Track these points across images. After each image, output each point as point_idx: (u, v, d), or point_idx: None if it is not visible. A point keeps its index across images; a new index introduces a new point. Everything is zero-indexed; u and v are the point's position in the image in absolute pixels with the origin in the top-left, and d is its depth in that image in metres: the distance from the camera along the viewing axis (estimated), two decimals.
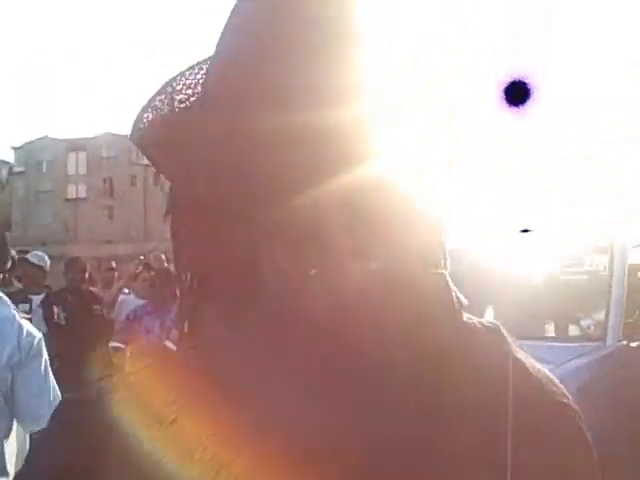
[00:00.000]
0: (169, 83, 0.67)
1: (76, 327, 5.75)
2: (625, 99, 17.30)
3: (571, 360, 3.99)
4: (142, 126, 0.67)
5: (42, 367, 2.72)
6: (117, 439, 0.60)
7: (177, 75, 0.67)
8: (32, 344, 2.67)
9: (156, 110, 0.67)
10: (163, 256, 7.71)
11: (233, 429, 0.58)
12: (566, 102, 17.54)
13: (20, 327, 2.66)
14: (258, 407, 0.58)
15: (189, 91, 0.66)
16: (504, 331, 0.67)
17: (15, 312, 2.76)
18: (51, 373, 2.78)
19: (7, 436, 2.66)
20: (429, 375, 0.60)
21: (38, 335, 2.73)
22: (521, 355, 0.67)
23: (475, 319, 0.67)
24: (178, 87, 0.67)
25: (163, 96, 0.67)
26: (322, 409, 0.59)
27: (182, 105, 0.66)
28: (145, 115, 0.67)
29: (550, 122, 17.40)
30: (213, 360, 0.63)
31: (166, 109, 0.66)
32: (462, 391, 0.61)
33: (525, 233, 5.30)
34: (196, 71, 0.67)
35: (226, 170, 0.61)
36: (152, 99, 0.67)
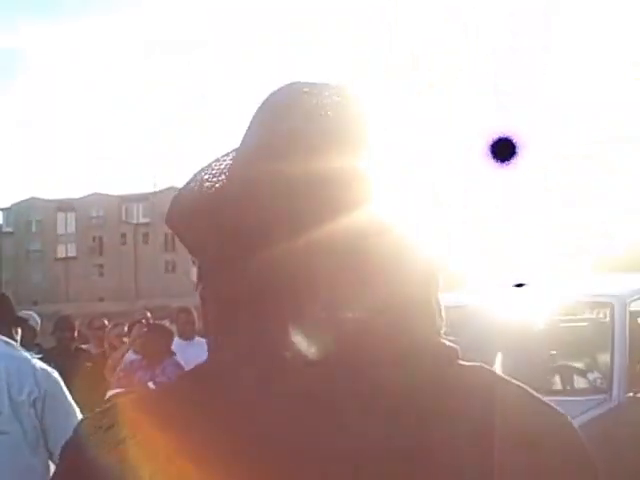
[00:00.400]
0: (199, 173, 0.77)
1: (69, 385, 5.76)
2: (625, 99, 17.50)
3: (578, 416, 3.96)
4: (175, 208, 0.78)
5: (65, 395, 2.91)
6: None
7: (206, 166, 0.77)
8: (49, 376, 2.85)
9: (188, 192, 0.78)
10: (148, 314, 7.91)
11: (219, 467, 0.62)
12: (566, 102, 17.74)
13: (34, 364, 2.85)
14: (244, 447, 0.63)
15: (215, 179, 0.76)
16: (493, 369, 0.75)
17: (28, 354, 2.96)
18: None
19: (46, 471, 2.77)
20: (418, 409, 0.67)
21: (53, 371, 2.92)
22: (511, 384, 0.75)
23: (468, 363, 0.74)
24: (206, 176, 0.77)
25: (194, 184, 0.77)
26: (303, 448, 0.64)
27: (210, 191, 0.76)
28: (179, 199, 0.79)
29: (550, 122, 17.59)
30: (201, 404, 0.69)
31: (196, 193, 0.76)
32: (454, 413, 0.67)
33: (523, 286, 5.33)
34: (221, 161, 0.78)
35: (228, 222, 0.71)
36: (185, 186, 0.78)
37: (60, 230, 65.75)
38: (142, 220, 63.71)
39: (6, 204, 67.14)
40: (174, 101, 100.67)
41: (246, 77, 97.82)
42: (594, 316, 5.70)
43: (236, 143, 0.79)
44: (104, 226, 64.76)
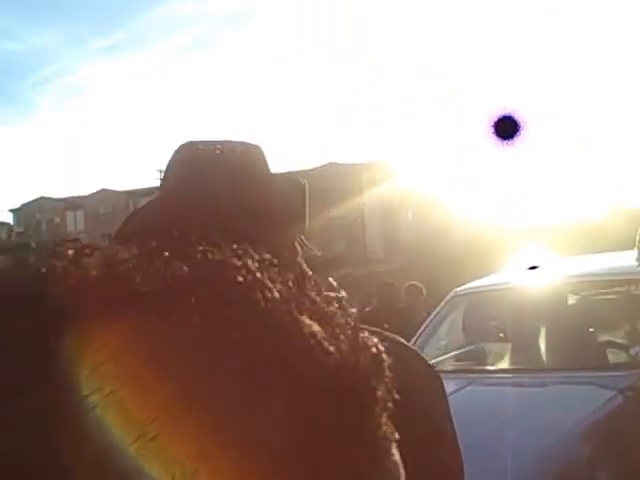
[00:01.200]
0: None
1: None
2: (625, 98, 17.87)
3: (624, 389, 4.12)
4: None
5: None
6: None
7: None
8: None
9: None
10: None
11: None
12: (565, 100, 18.07)
13: None
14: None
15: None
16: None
17: None
18: None
19: None
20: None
21: None
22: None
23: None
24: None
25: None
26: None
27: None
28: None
29: (550, 117, 17.95)
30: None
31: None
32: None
33: (538, 268, 5.47)
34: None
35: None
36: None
37: (70, 228, 66.04)
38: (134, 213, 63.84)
39: (15, 205, 67.55)
40: (175, 95, 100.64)
41: (246, 75, 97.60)
42: (625, 291, 5.75)
43: (235, 136, 1.11)
44: (113, 222, 64.97)
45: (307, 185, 1.09)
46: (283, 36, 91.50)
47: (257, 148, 1.07)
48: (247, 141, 1.09)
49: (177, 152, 1.06)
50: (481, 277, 5.64)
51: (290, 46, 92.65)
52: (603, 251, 7.09)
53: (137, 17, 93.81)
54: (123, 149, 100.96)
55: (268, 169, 1.06)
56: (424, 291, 8.75)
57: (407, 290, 8.72)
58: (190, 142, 1.06)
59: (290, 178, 1.10)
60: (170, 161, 1.07)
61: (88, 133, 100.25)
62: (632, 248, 5.44)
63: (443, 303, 5.37)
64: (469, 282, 5.60)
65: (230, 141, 1.06)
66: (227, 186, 0.98)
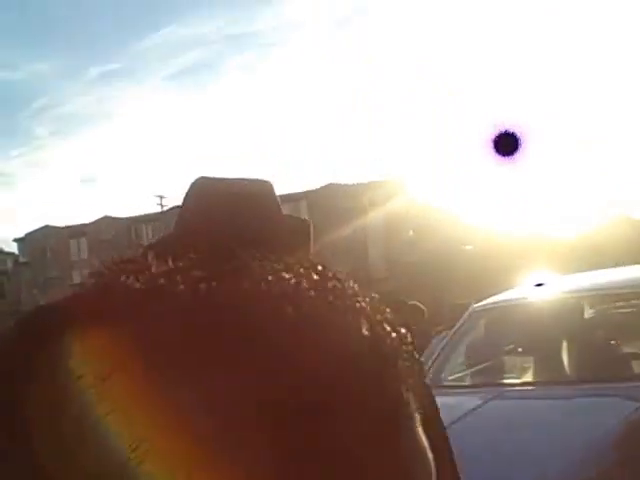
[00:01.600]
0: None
1: None
2: (624, 99, 18.00)
3: None
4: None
5: None
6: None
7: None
8: None
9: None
10: None
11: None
12: (565, 101, 18.18)
13: None
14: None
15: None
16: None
17: None
18: None
19: None
20: None
21: None
22: None
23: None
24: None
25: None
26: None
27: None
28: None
29: (551, 119, 18.04)
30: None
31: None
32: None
33: (541, 285, 5.50)
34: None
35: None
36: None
37: (74, 256, 66.17)
38: (152, 241, 64.06)
39: (20, 234, 67.73)
40: (174, 121, 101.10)
41: (245, 99, 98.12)
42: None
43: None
44: (115, 248, 65.08)
45: (312, 224, 1.12)
46: (281, 57, 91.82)
47: (268, 184, 1.12)
48: (258, 177, 1.12)
49: (191, 188, 1.10)
50: (484, 296, 5.68)
51: (287, 64, 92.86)
52: (608, 262, 7.16)
53: (134, 44, 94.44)
54: (123, 176, 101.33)
55: (278, 205, 1.10)
56: (426, 312, 8.56)
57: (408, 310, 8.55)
58: (204, 177, 1.10)
59: (297, 217, 1.14)
60: (185, 197, 1.10)
61: (89, 161, 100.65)
62: (637, 260, 5.48)
63: (463, 319, 5.42)
64: (470, 300, 5.65)
65: (243, 178, 1.11)
66: (239, 220, 1.02)
